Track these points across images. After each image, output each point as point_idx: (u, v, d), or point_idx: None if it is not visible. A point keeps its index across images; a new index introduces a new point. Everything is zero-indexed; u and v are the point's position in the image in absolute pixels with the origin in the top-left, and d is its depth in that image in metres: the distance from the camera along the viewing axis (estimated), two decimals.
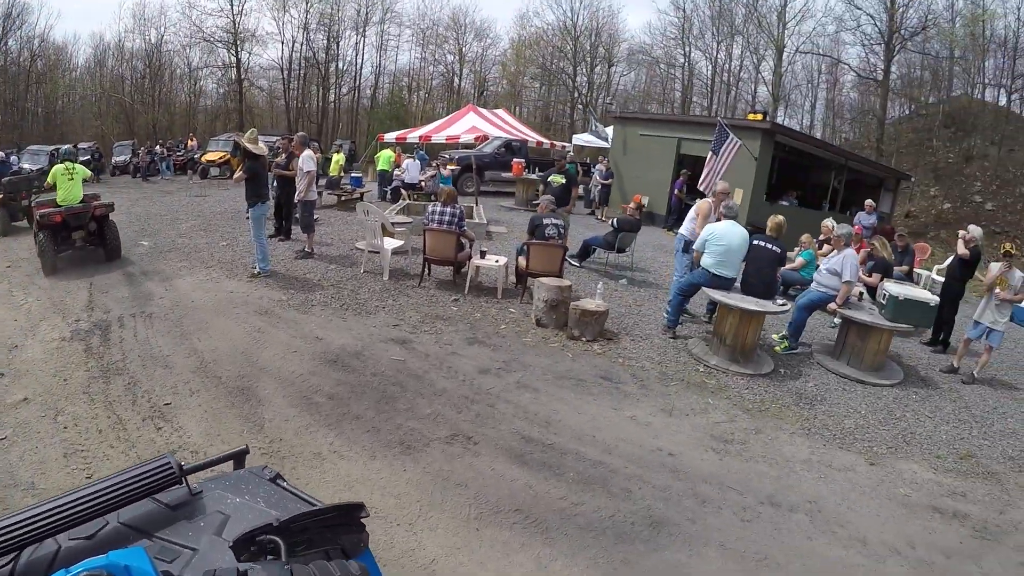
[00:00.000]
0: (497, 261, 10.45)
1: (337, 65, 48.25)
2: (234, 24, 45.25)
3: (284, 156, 13.05)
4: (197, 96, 48.69)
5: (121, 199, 21.28)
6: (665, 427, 6.61)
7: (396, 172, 21.10)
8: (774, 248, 8.91)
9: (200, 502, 1.69)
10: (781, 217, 9.29)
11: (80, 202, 11.15)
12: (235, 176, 12.24)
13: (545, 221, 10.25)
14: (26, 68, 44.82)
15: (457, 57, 48.98)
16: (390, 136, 30.97)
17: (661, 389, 7.53)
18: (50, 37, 46.14)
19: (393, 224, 11.99)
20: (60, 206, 10.74)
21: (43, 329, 8.34)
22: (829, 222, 13.17)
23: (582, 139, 30.63)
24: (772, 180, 20.05)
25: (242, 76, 46.22)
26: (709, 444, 6.34)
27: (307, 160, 11.44)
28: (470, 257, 10.43)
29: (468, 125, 28.52)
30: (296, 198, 11.59)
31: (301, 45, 47.15)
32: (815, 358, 9.08)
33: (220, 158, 29.06)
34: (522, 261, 10.15)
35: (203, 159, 29.48)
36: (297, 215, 12.20)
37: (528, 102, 50.67)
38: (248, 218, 10.56)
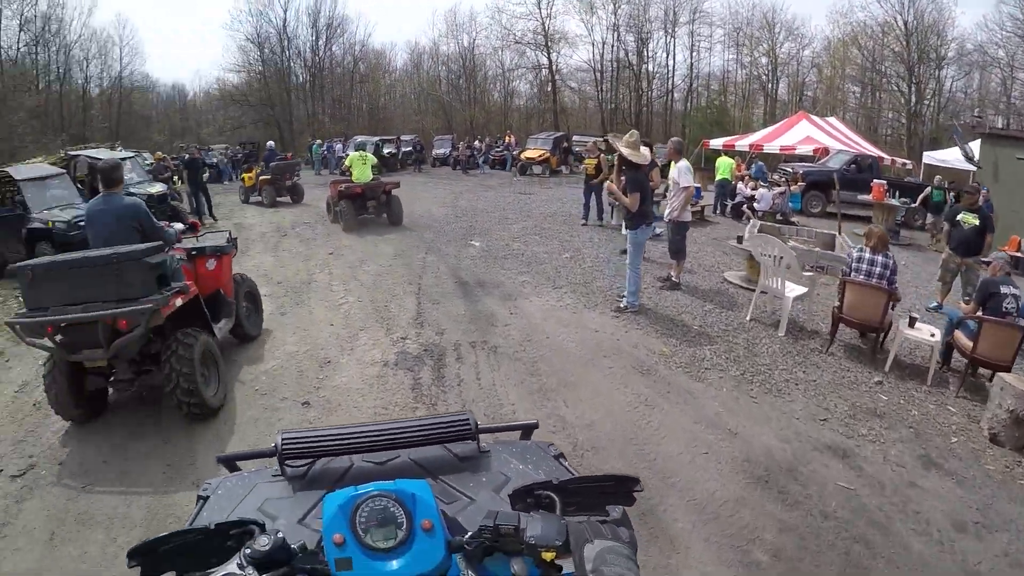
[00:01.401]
0: (933, 335, 7.06)
1: (647, 67, 45.81)
2: (543, 27, 45.23)
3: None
4: (510, 96, 49.76)
5: (443, 191, 21.28)
6: None
7: (740, 186, 18.12)
8: None
9: (487, 460, 1.72)
10: None
11: (371, 180, 13.89)
12: (606, 185, 9.95)
13: (1003, 290, 6.66)
14: (350, 70, 49.41)
15: (770, 59, 43.81)
16: (716, 142, 28.04)
17: None
18: (369, 43, 50.61)
19: (803, 270, 9.00)
20: (356, 182, 13.54)
21: (362, 343, 6.83)
22: None
23: (935, 157, 24.67)
24: None
25: (554, 77, 46.04)
26: None
27: (684, 173, 8.87)
28: (891, 324, 7.20)
29: (802, 135, 24.57)
30: (667, 217, 9.16)
31: (612, 47, 45.70)
32: None
33: (540, 156, 28.27)
34: (963, 339, 6.74)
35: (522, 156, 28.96)
36: (666, 236, 9.76)
37: (849, 109, 43.82)
38: (625, 237, 8.39)
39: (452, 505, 1.51)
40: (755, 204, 16.28)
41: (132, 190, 12.47)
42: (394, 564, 1.18)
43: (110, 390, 5.37)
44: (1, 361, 6.78)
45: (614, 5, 44.31)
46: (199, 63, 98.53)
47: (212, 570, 1.16)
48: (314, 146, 32.81)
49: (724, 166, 18.13)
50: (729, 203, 17.01)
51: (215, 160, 28.49)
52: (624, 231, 8.92)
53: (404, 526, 1.20)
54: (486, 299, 8.30)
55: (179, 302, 5.14)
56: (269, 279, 9.43)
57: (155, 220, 5.30)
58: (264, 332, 7.21)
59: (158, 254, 4.97)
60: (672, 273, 9.19)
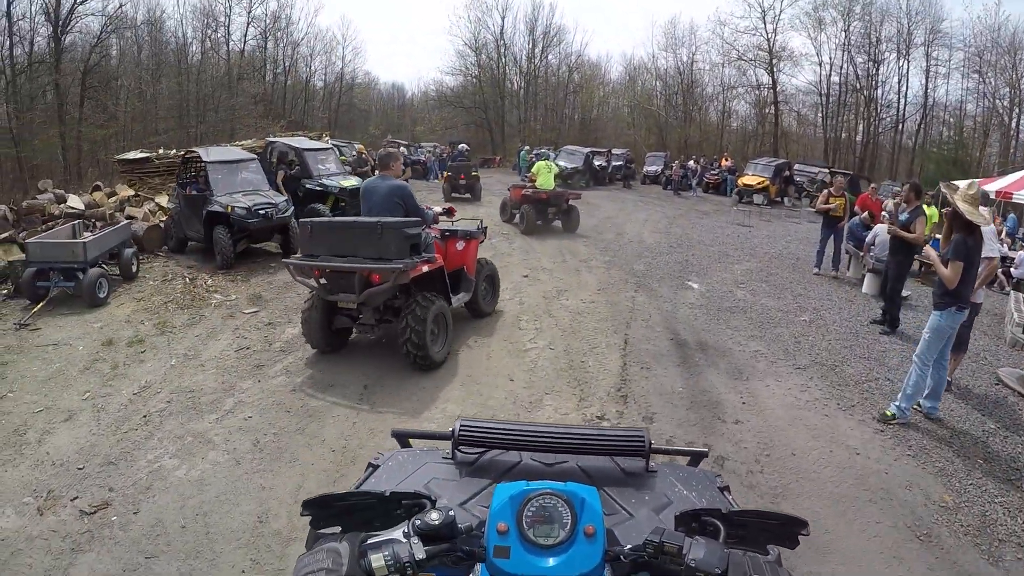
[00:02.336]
0: None
1: (877, 92, 40.33)
2: (768, 43, 41.59)
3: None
4: (727, 115, 46.65)
5: (655, 213, 19.84)
6: None
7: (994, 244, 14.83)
8: None
9: (652, 480, 1.70)
10: None
11: (554, 189, 14.36)
12: (925, 251, 7.12)
13: None
14: (564, 79, 49.17)
15: (1012, 88, 36.01)
16: (960, 185, 23.89)
17: None
18: (585, 54, 50.25)
19: None
20: (540, 189, 14.00)
21: (544, 414, 5.54)
22: None
23: None
24: None
25: (776, 98, 42.16)
26: None
27: (990, 239, 6.69)
28: None
29: None
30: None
31: (841, 68, 40.90)
32: None
33: (759, 183, 25.79)
34: None
35: (740, 182, 26.66)
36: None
37: None
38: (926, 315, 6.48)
39: (611, 517, 1.48)
40: (1012, 269, 13.22)
41: (325, 182, 12.59)
42: (550, 562, 1.20)
43: (353, 332, 6.72)
44: (135, 352, 6.89)
45: (845, 21, 39.83)
46: (419, 66, 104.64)
47: (378, 533, 1.24)
48: (522, 152, 32.61)
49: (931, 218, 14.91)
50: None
51: (422, 157, 29.02)
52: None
53: (568, 527, 1.21)
54: (710, 372, 6.66)
55: (425, 268, 6.03)
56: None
57: (417, 201, 6.26)
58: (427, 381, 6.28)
59: (415, 228, 5.94)
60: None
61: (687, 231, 15.99)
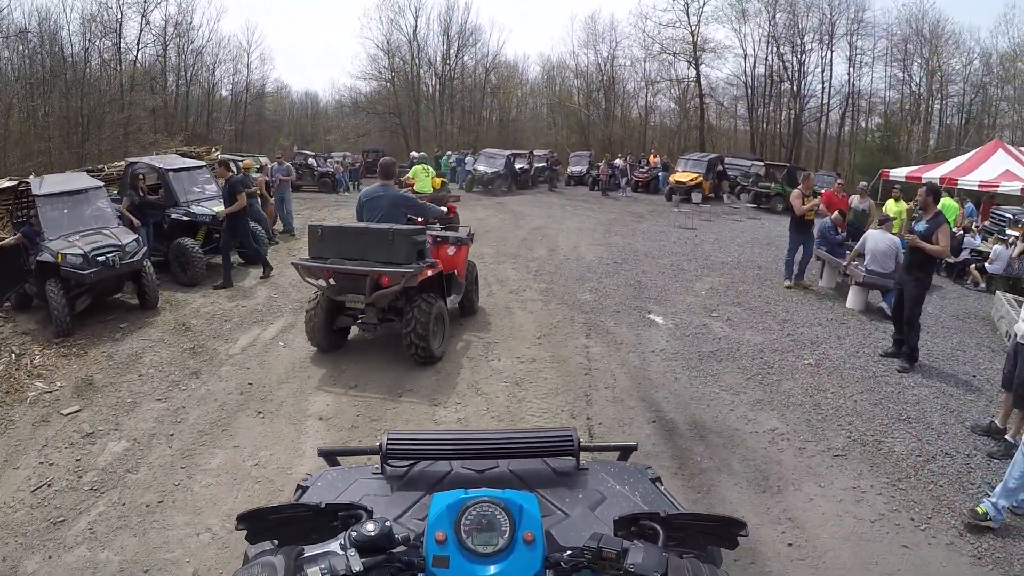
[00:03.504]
0: None
1: (802, 82, 39.22)
2: (692, 36, 39.88)
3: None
4: (651, 111, 44.72)
5: (588, 219, 17.69)
6: None
7: (968, 239, 13.44)
8: None
9: (584, 477, 1.68)
10: None
11: (432, 193, 13.08)
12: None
13: None
14: (481, 81, 46.43)
15: (930, 75, 36.07)
16: (896, 173, 22.96)
17: None
18: (503, 53, 47.81)
19: None
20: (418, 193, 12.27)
21: None
22: None
23: None
24: None
25: (701, 91, 40.69)
26: None
27: None
28: None
29: (999, 168, 19.43)
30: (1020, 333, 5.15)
31: (766, 59, 39.56)
32: None
33: (692, 180, 23.97)
34: None
35: (672, 179, 24.80)
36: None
37: None
38: None
39: (547, 519, 1.45)
40: (986, 265, 11.98)
41: (194, 210, 10.02)
42: (491, 569, 1.18)
43: (351, 331, 6.93)
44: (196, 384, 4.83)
45: (769, 12, 38.59)
46: (332, 73, 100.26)
47: (314, 546, 1.24)
48: (443, 158, 29.89)
49: (947, 211, 13.37)
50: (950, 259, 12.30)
51: (330, 168, 26.10)
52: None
53: (507, 535, 1.19)
54: (722, 482, 4.37)
55: (429, 273, 6.29)
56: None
57: (417, 202, 6.83)
58: None
59: (421, 235, 6.27)
60: (1007, 426, 5.09)
61: (628, 239, 13.86)
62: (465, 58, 45.98)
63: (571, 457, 1.69)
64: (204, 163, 11.77)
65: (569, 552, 1.22)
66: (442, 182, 14.31)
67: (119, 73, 33.00)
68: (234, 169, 11.87)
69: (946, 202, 13.53)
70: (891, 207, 12.53)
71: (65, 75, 29.82)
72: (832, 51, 38.10)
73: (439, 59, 45.38)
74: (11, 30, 27.95)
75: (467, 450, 1.65)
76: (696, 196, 19.62)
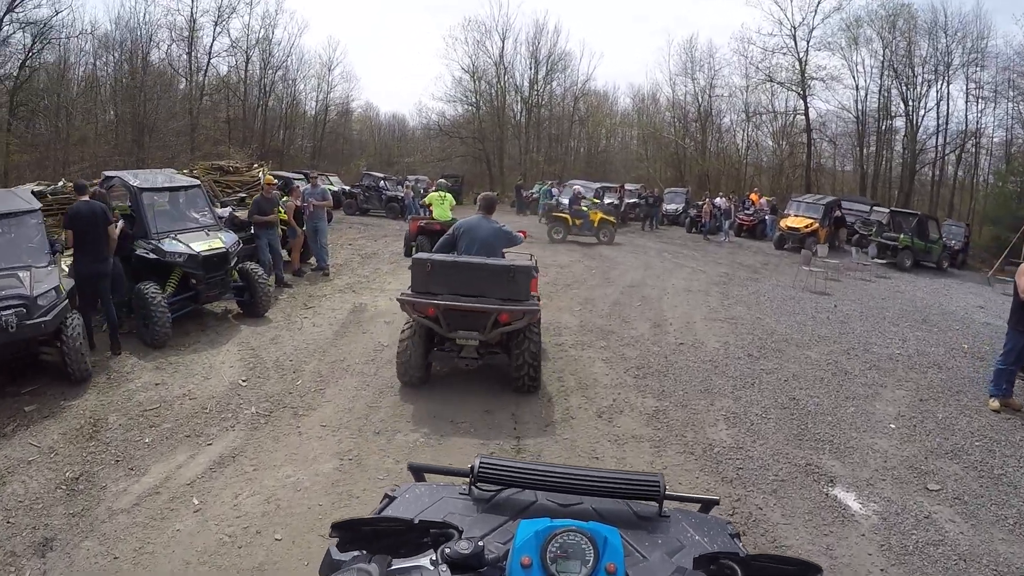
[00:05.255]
0: None
1: (919, 118, 33.95)
2: (800, 63, 35.62)
3: None
4: (753, 147, 40.52)
5: (695, 273, 14.35)
6: None
7: None
8: None
9: (665, 524, 1.64)
10: None
11: (451, 219, 11.67)
12: None
13: None
14: (570, 110, 43.93)
15: None
16: None
17: None
18: (593, 78, 46.25)
19: None
20: (435, 220, 12.79)
21: None
22: None
23: None
24: None
25: (809, 126, 36.32)
26: None
27: None
28: None
29: None
30: None
31: (880, 92, 34.92)
32: None
33: (807, 226, 20.69)
34: None
35: (784, 224, 21.60)
36: None
37: None
38: None
39: (625, 560, 1.33)
40: None
41: (165, 246, 7.63)
42: None
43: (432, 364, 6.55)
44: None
45: (883, 40, 34.05)
46: (420, 96, 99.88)
47: (405, 560, 1.25)
48: (543, 187, 27.11)
49: None
50: None
51: (401, 193, 24.13)
52: None
53: (590, 564, 1.19)
54: None
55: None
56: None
57: (514, 235, 6.64)
58: None
59: (536, 272, 6.35)
60: None
61: (753, 311, 10.80)
62: (553, 84, 43.57)
63: (654, 503, 1.65)
64: (198, 183, 9.38)
65: None
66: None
67: (190, 82, 32.22)
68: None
69: None
70: None
71: (135, 81, 29.21)
72: (948, 83, 33.00)
73: (526, 84, 43.01)
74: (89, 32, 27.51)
75: (555, 483, 1.60)
76: (822, 250, 16.14)
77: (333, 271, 11.98)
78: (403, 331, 6.20)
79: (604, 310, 10.07)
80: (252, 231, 10.20)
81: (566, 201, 20.34)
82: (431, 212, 13.40)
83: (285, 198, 11.76)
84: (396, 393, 6.27)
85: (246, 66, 36.54)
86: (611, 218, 19.79)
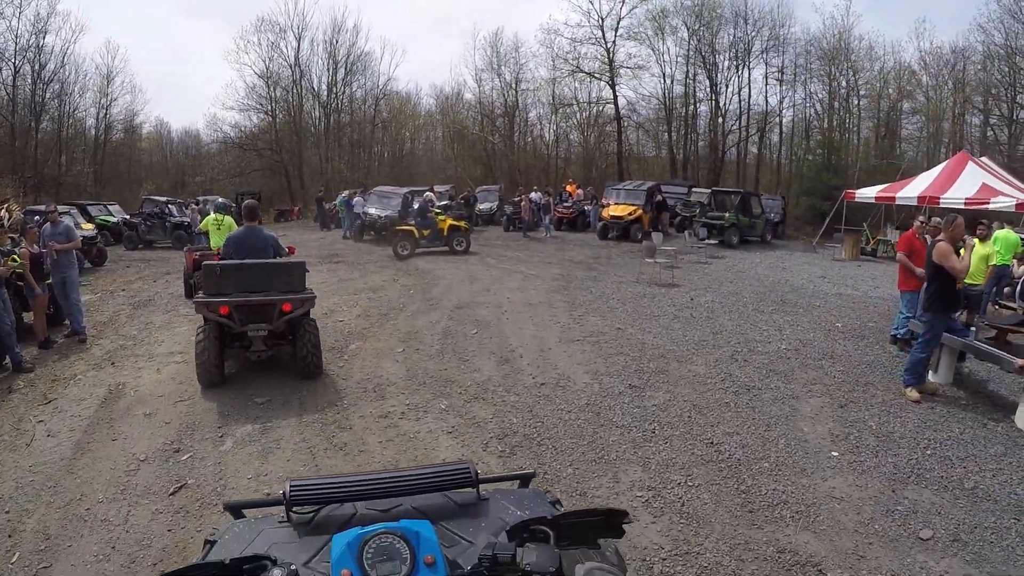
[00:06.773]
0: None
1: (726, 102, 35.27)
2: (608, 53, 35.45)
3: None
4: (563, 138, 40.29)
5: (529, 279, 12.43)
6: None
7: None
8: None
9: (485, 506, 1.67)
10: None
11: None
12: None
13: None
14: (371, 113, 41.43)
15: (850, 88, 33.10)
16: (863, 193, 20.03)
17: None
18: (395, 78, 44.07)
19: None
20: (214, 249, 10.55)
21: None
22: None
23: None
24: None
25: (619, 114, 36.20)
26: None
27: None
28: None
29: (976, 183, 17.46)
30: None
31: (685, 79, 35.83)
32: None
33: (630, 214, 19.97)
34: None
35: (606, 214, 20.68)
36: None
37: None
38: None
39: (452, 548, 1.44)
40: None
41: None
42: None
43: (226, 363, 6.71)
44: None
45: (689, 30, 35.09)
46: (213, 107, 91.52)
47: None
48: (343, 197, 23.72)
49: (1005, 243, 10.07)
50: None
51: (187, 219, 20.30)
52: None
53: (408, 561, 1.19)
54: None
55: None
56: None
57: (279, 243, 6.94)
58: None
59: (306, 267, 6.81)
60: None
61: (609, 320, 9.08)
62: (353, 86, 40.67)
63: (472, 489, 1.67)
64: None
65: (470, 567, 1.23)
66: None
67: None
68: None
69: (1002, 234, 10.01)
70: (1004, 238, 9.75)
71: None
72: (749, 69, 34.96)
73: (324, 88, 39.73)
74: None
75: (370, 491, 1.60)
76: (657, 238, 14.98)
77: (92, 334, 8.51)
78: (198, 335, 6.40)
79: (434, 346, 7.88)
80: None
81: (376, 212, 18.03)
82: (208, 240, 11.06)
83: (18, 243, 8.30)
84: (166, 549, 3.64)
85: (13, 80, 29.76)
86: (462, 223, 17.81)
